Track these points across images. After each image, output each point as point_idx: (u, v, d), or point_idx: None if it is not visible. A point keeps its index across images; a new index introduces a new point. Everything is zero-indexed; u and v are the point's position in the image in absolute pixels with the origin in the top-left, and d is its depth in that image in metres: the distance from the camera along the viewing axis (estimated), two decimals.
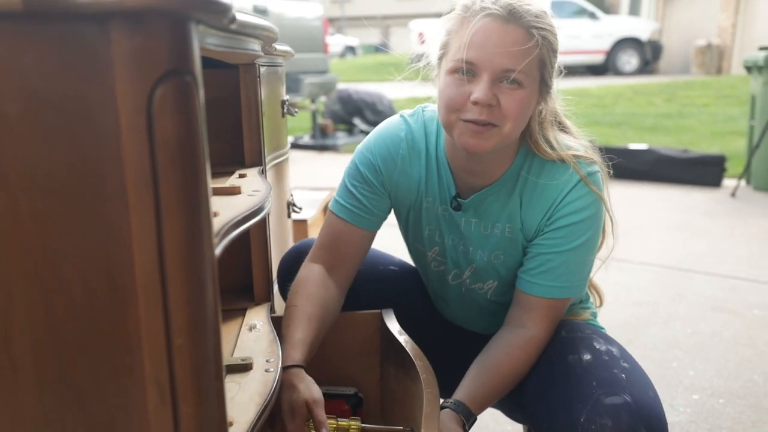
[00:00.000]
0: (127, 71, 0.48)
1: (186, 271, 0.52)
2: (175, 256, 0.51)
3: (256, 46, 1.03)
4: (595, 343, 1.00)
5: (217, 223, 0.66)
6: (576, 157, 1.02)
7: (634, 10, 15.18)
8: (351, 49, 23.39)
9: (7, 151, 0.48)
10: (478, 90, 0.93)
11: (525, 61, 0.93)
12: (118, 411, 0.53)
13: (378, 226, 1.15)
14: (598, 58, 12.69)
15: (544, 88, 0.99)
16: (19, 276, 0.50)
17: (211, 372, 0.55)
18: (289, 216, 1.52)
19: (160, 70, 0.48)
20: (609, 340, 1.02)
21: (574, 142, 1.05)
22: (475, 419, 1.01)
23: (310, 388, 0.95)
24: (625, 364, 0.95)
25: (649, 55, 12.69)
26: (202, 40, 0.62)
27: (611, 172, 1.09)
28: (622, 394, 0.89)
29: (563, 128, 1.08)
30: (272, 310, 1.25)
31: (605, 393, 0.89)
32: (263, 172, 1.18)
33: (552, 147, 1.02)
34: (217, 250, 0.60)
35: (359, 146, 1.14)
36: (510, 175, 1.04)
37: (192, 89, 0.50)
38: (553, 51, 0.98)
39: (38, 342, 0.52)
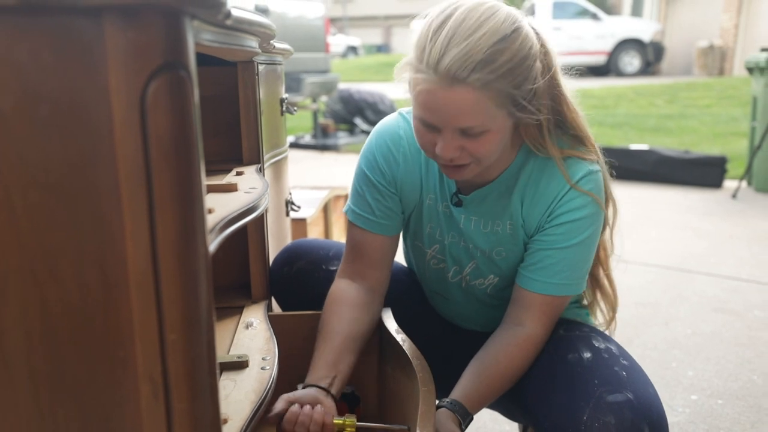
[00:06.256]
0: (120, 65, 0.47)
1: (179, 267, 0.51)
2: (168, 251, 0.51)
3: (253, 42, 1.03)
4: (594, 341, 1.00)
5: (211, 220, 0.65)
6: (578, 156, 1.01)
7: (637, 11, 15.17)
8: (353, 49, 23.40)
9: (1, 145, 0.48)
10: (441, 147, 0.94)
11: (480, 115, 0.89)
12: (111, 406, 0.53)
13: (398, 230, 1.15)
14: (600, 59, 12.67)
15: (518, 111, 0.93)
16: (12, 270, 0.50)
17: (204, 368, 0.55)
18: (287, 214, 1.51)
19: (153, 64, 0.48)
20: (607, 338, 1.03)
21: (577, 141, 1.03)
22: (472, 419, 1.00)
23: (316, 401, 0.98)
24: (624, 362, 0.96)
25: (651, 56, 12.66)
26: (198, 36, 0.62)
27: (614, 173, 1.08)
28: (624, 392, 0.89)
29: (567, 127, 1.03)
30: (269, 308, 1.25)
31: (607, 391, 0.90)
32: (261, 170, 1.18)
33: (553, 146, 1.00)
34: (212, 247, 0.60)
35: (363, 147, 1.13)
36: (510, 173, 1.04)
37: (186, 84, 0.50)
38: (518, 78, 0.89)
39: (31, 336, 0.51)
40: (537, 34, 0.95)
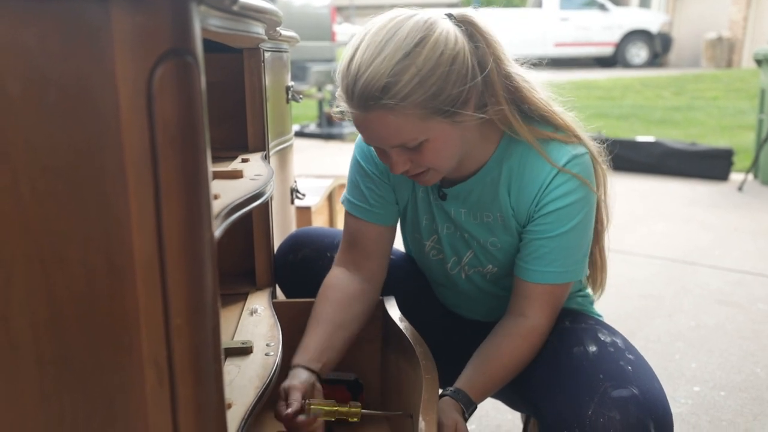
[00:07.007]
0: (127, 50, 0.47)
1: (185, 252, 0.52)
2: (174, 236, 0.51)
3: (259, 29, 1.03)
4: (599, 335, 1.00)
5: (217, 206, 0.66)
6: (561, 140, 1.00)
7: (645, 2, 15.04)
8: None
9: (8, 130, 0.48)
10: (390, 166, 0.97)
11: (406, 132, 0.90)
12: (116, 391, 0.54)
13: (393, 220, 1.15)
14: (608, 50, 12.59)
15: (449, 117, 0.90)
16: (18, 255, 0.50)
17: (209, 353, 0.55)
18: (292, 202, 1.52)
19: (160, 49, 0.48)
20: (612, 331, 1.02)
21: (561, 123, 1.01)
22: (475, 408, 1.01)
23: (292, 377, 0.98)
24: (630, 356, 0.96)
25: (659, 47, 12.58)
26: (204, 21, 0.62)
27: (610, 160, 1.07)
28: (630, 387, 0.89)
29: (534, 115, 1.01)
30: (274, 295, 1.26)
31: (612, 385, 0.90)
32: (266, 158, 1.18)
33: (527, 132, 0.98)
34: (217, 233, 0.60)
35: (357, 137, 1.13)
36: (492, 165, 1.03)
37: (193, 70, 0.50)
38: (432, 88, 0.87)
39: (37, 321, 0.52)
40: (478, 30, 0.93)
